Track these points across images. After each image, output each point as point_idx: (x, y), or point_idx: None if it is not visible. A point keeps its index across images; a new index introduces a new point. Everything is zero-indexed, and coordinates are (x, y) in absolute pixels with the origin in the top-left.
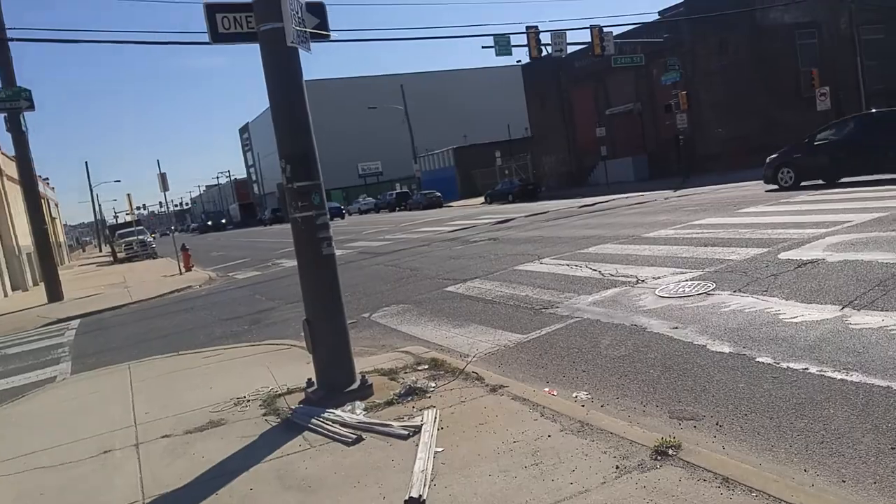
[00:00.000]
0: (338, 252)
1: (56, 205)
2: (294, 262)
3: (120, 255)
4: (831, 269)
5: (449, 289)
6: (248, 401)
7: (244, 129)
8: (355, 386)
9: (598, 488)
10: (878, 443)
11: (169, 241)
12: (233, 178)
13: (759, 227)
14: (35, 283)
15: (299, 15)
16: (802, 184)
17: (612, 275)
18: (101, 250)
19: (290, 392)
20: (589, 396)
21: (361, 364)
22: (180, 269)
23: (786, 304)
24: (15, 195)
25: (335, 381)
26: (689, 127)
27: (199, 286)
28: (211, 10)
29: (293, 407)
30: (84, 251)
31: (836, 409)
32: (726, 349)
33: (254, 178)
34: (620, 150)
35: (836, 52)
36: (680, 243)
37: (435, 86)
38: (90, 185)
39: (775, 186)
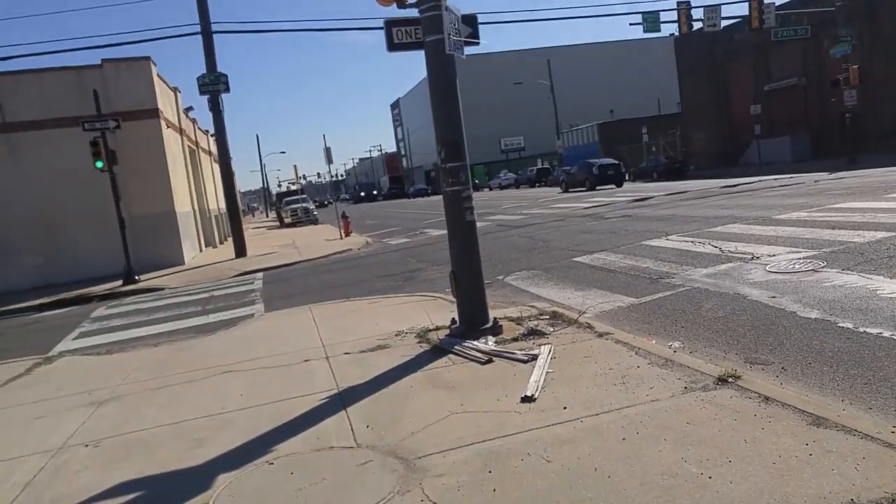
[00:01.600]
0: (477, 223)
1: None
2: (439, 232)
3: (287, 221)
4: None
5: (576, 259)
6: (406, 333)
7: (395, 105)
8: (488, 325)
9: (666, 399)
10: None
11: (326, 209)
12: (384, 151)
13: (888, 209)
14: (221, 242)
15: (456, 27)
16: None
17: (731, 252)
18: (267, 216)
19: (437, 329)
20: (681, 345)
21: (494, 313)
22: (341, 235)
23: (889, 282)
24: (207, 165)
25: (473, 320)
26: (860, 103)
27: (358, 249)
28: (389, 25)
29: (440, 338)
30: (253, 216)
31: (892, 362)
32: (813, 315)
33: (403, 152)
34: (780, 129)
35: None
36: (807, 225)
37: (581, 60)
38: (260, 156)
39: None
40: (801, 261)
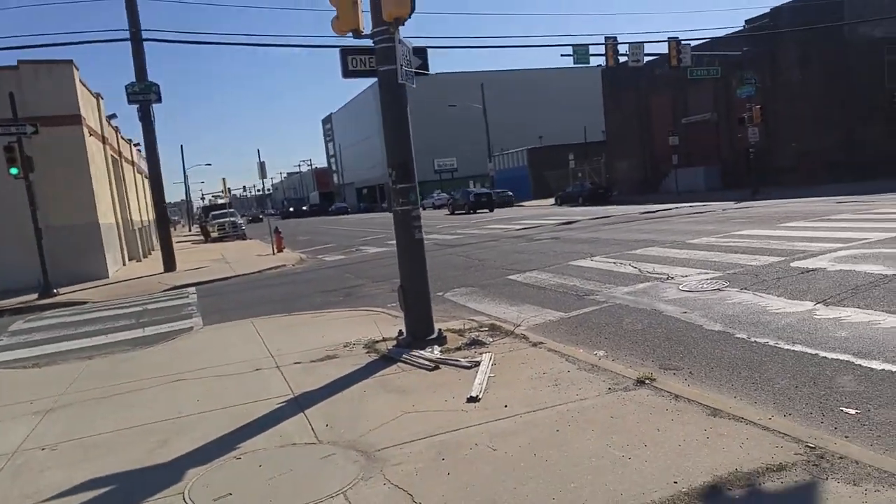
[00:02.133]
0: None
1: None
2: (375, 249)
3: (213, 235)
4: (826, 276)
5: (510, 277)
6: (354, 345)
7: (327, 120)
8: (434, 336)
9: (593, 398)
10: (789, 384)
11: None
12: (314, 166)
13: (789, 239)
14: (145, 255)
15: (408, 58)
16: None
17: (648, 272)
18: (189, 229)
19: (385, 340)
20: (605, 353)
21: (438, 325)
22: (273, 251)
23: (776, 300)
24: (130, 175)
25: (419, 331)
26: (763, 140)
27: (293, 265)
28: (344, 53)
29: (389, 348)
30: (175, 229)
31: (774, 366)
32: (717, 328)
33: (334, 168)
34: (695, 159)
35: None
36: (714, 249)
37: (513, 85)
38: (184, 168)
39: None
40: (709, 281)
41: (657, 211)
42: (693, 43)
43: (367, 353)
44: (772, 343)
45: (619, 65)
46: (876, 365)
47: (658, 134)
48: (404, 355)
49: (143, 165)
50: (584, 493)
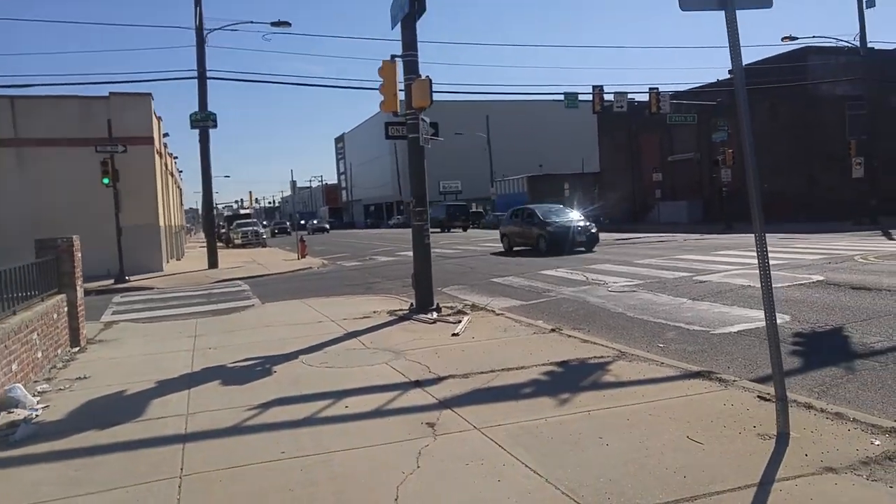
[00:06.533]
0: None
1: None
2: (386, 258)
3: (237, 242)
4: (708, 285)
5: (492, 279)
6: (379, 312)
7: (340, 139)
8: (433, 307)
9: (524, 336)
10: (638, 334)
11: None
12: (324, 182)
13: (708, 262)
14: (181, 256)
15: (427, 129)
16: None
17: (592, 279)
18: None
19: (400, 310)
20: (543, 322)
21: (437, 302)
22: (298, 256)
23: (665, 296)
24: (170, 185)
25: (424, 303)
26: (738, 180)
27: (317, 268)
28: (387, 125)
29: (403, 313)
30: (190, 236)
31: (638, 328)
32: (618, 310)
33: (343, 185)
34: (680, 194)
35: (882, 125)
36: (649, 267)
37: (517, 115)
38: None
39: None
40: (630, 285)
41: (630, 238)
42: (679, 88)
43: (389, 316)
44: (644, 318)
45: (604, 112)
46: (693, 328)
47: (646, 169)
48: (413, 317)
49: (178, 175)
50: (507, 362)
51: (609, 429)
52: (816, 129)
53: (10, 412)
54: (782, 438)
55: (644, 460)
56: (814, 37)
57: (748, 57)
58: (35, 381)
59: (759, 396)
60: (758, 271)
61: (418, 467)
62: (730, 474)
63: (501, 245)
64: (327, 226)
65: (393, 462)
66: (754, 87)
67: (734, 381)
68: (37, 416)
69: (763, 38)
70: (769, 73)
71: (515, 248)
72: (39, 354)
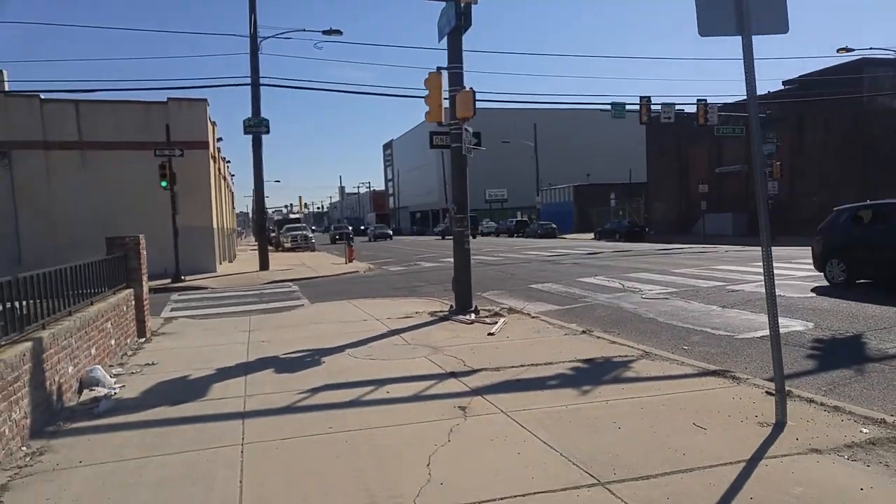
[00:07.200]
0: None
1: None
2: (430, 264)
3: (286, 246)
4: (740, 294)
5: (531, 286)
6: (420, 313)
7: (388, 146)
8: (472, 309)
9: (556, 337)
10: (667, 337)
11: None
12: (371, 188)
13: (743, 272)
14: (233, 258)
15: (470, 139)
16: None
17: (628, 287)
18: (255, 239)
19: (440, 311)
20: (576, 325)
21: (475, 305)
22: (346, 260)
23: (697, 304)
24: (223, 188)
25: (463, 305)
26: (786, 193)
27: (364, 272)
28: (431, 134)
29: (443, 314)
30: (241, 239)
31: (667, 332)
32: (650, 316)
33: (390, 191)
34: (726, 206)
35: None
36: (686, 277)
37: (564, 124)
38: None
39: None
40: (664, 293)
41: (672, 249)
42: (728, 100)
43: (431, 316)
44: (673, 322)
45: (652, 121)
46: (718, 332)
47: (693, 181)
48: (453, 317)
49: (230, 179)
50: (537, 359)
51: (623, 416)
52: (870, 141)
53: (91, 389)
54: (779, 426)
55: (650, 441)
56: (871, 49)
57: (806, 68)
58: (110, 366)
59: (766, 392)
60: (779, 280)
61: (449, 441)
62: (725, 453)
63: (821, 271)
64: (390, 231)
65: (427, 437)
66: (808, 99)
67: (747, 378)
68: (115, 393)
69: (819, 50)
70: (824, 85)
71: (861, 281)
72: (112, 342)
